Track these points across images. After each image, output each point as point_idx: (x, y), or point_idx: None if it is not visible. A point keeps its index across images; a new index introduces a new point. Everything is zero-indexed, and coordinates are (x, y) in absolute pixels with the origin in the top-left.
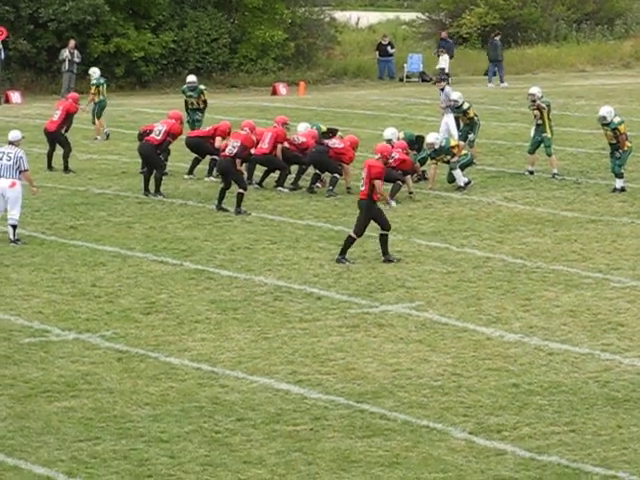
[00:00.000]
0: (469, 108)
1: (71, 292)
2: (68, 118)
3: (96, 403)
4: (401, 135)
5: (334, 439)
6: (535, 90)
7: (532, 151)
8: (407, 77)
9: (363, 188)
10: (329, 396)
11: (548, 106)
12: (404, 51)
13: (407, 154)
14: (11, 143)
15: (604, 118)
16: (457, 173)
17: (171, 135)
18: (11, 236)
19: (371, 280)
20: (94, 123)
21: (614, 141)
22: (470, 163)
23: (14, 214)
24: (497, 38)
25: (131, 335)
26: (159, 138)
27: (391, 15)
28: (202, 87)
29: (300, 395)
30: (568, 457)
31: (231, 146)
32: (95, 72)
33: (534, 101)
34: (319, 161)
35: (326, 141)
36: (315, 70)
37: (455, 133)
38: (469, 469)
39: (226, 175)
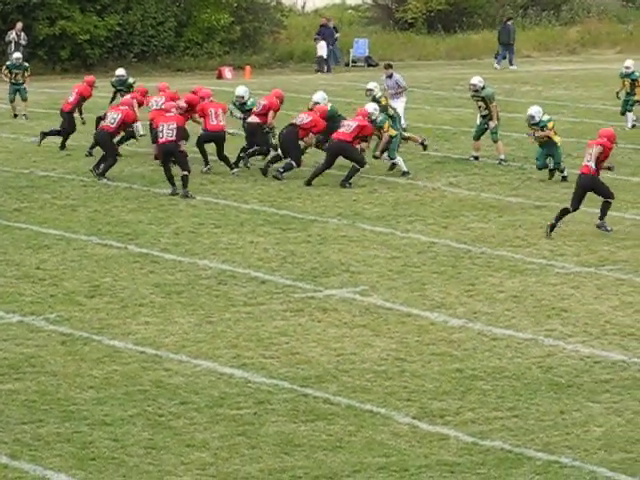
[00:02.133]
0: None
1: (15, 275)
2: (82, 100)
3: (40, 386)
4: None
5: (278, 423)
6: (476, 80)
7: (477, 137)
8: (353, 62)
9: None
10: (273, 380)
11: (492, 94)
12: (350, 36)
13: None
14: None
15: (532, 117)
16: (398, 160)
17: (126, 123)
18: None
19: (315, 264)
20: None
21: (545, 139)
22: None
23: None
24: (510, 22)
25: (75, 318)
26: (113, 126)
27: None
28: (131, 80)
29: (244, 379)
30: (511, 442)
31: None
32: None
33: (476, 91)
34: (284, 145)
35: (294, 120)
36: (261, 54)
37: (402, 120)
38: (412, 454)
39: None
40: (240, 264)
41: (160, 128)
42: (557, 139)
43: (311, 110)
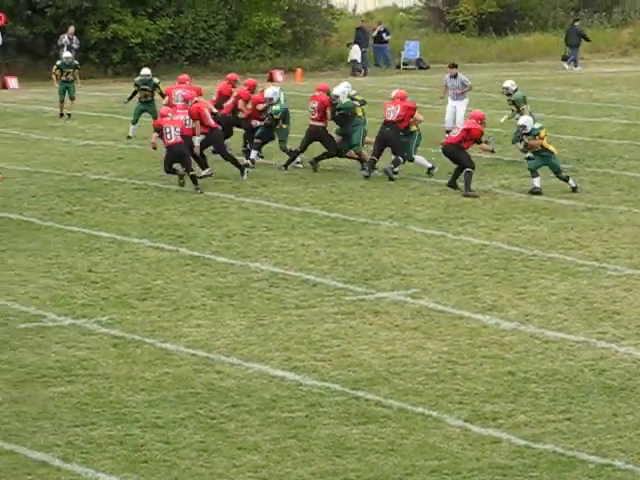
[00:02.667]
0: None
1: (67, 277)
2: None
3: (92, 388)
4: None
5: (329, 426)
6: (508, 84)
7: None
8: (404, 64)
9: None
10: (324, 383)
11: (522, 98)
12: (401, 38)
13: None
14: None
15: (524, 127)
16: (418, 158)
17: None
18: None
19: (367, 267)
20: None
21: (538, 148)
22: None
23: None
24: (577, 24)
25: (127, 321)
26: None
27: (388, 2)
28: (156, 80)
29: (295, 382)
30: (563, 445)
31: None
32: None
33: (509, 95)
34: (389, 143)
35: (387, 117)
36: (312, 57)
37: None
38: (464, 457)
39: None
40: (292, 267)
41: (167, 130)
42: (552, 148)
43: (393, 100)
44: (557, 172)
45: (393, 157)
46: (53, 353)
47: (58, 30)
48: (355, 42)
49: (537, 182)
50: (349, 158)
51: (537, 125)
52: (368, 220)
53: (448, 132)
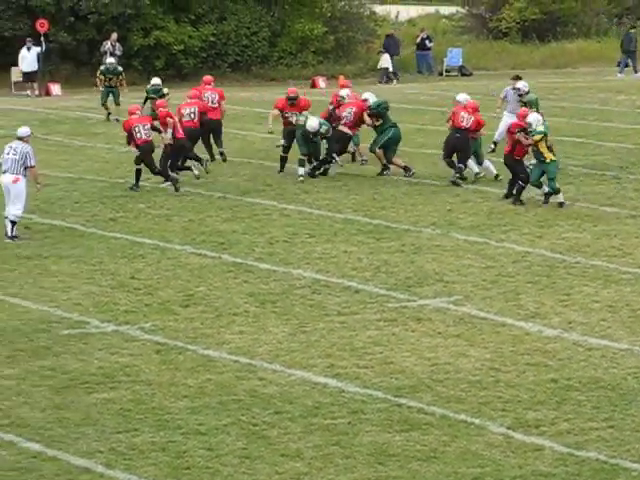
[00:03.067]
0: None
1: (110, 284)
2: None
3: (135, 395)
4: (371, 100)
5: (372, 433)
6: (521, 85)
7: None
8: (446, 71)
9: None
10: (367, 390)
11: (534, 100)
12: (444, 45)
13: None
14: (20, 139)
15: (530, 125)
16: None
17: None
18: (9, 232)
19: (409, 274)
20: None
21: (535, 150)
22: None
23: (16, 210)
24: (633, 31)
25: (170, 327)
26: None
27: (431, 9)
28: (165, 91)
29: (338, 389)
30: (606, 453)
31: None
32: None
33: (520, 95)
34: (457, 150)
35: (462, 124)
36: (354, 64)
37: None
38: (507, 464)
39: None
40: (334, 274)
41: (137, 129)
42: (548, 156)
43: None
44: (550, 179)
45: (457, 165)
46: (96, 359)
47: (101, 37)
48: (385, 50)
49: (560, 197)
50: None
51: (541, 128)
52: (411, 227)
53: (495, 143)
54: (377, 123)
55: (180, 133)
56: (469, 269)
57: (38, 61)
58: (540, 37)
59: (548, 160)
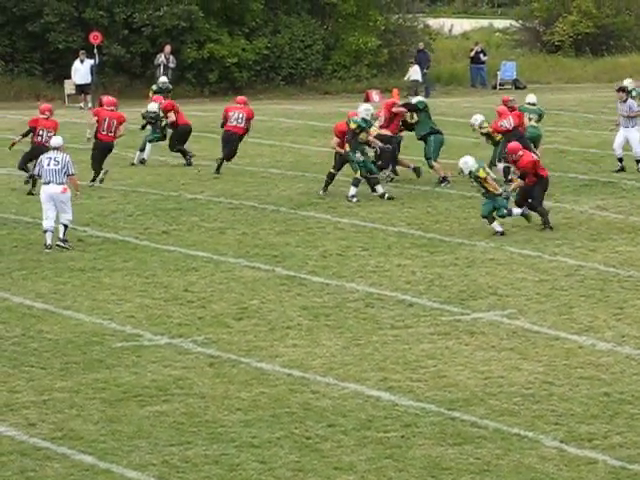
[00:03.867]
0: None
1: (164, 297)
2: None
3: (188, 408)
4: (415, 100)
5: (425, 446)
6: (530, 99)
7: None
8: (500, 84)
9: None
10: (420, 403)
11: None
12: (497, 58)
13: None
14: (56, 149)
15: (461, 170)
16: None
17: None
18: (60, 234)
19: (463, 288)
20: None
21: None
22: None
23: (67, 217)
24: None
25: (223, 340)
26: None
27: (485, 22)
28: (161, 115)
29: (391, 402)
30: None
31: None
32: None
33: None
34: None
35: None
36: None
37: (638, 150)
38: (560, 477)
39: None
40: (387, 287)
41: (40, 132)
42: (490, 189)
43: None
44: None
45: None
46: (149, 372)
47: (155, 50)
48: (416, 63)
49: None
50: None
51: (475, 166)
52: (464, 240)
53: (620, 160)
54: (412, 120)
55: (183, 120)
56: (522, 283)
57: (91, 73)
58: (593, 51)
59: (494, 191)
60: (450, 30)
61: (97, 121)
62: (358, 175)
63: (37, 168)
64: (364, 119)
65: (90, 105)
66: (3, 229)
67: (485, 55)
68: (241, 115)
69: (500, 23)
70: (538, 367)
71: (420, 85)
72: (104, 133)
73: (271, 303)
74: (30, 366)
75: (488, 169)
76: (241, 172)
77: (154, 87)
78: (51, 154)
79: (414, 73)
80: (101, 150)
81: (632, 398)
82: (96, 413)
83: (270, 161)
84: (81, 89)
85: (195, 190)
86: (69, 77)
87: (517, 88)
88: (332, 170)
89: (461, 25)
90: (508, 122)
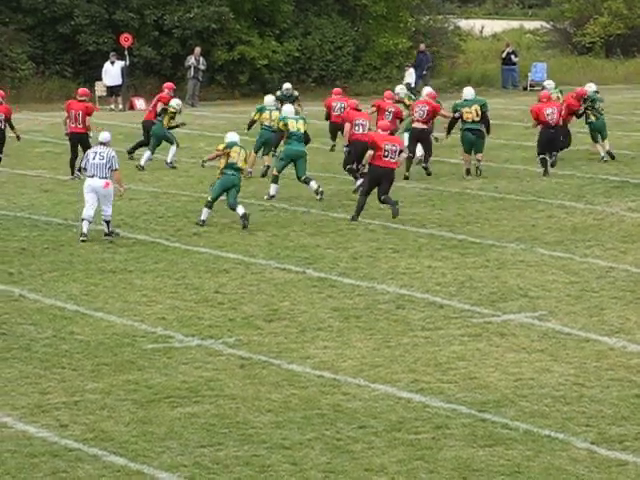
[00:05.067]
0: None
1: (194, 298)
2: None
3: (219, 409)
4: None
5: (455, 448)
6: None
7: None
8: (531, 86)
9: None
10: (451, 405)
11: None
12: (528, 60)
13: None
14: (103, 144)
15: None
16: None
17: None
18: (106, 229)
19: (493, 289)
20: None
21: None
22: None
23: (108, 211)
24: None
25: (254, 342)
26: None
27: (515, 24)
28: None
29: (422, 403)
30: None
31: None
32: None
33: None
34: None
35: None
36: (439, 78)
37: None
38: (591, 479)
39: None
40: (418, 289)
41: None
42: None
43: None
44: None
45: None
46: (180, 374)
47: (185, 51)
48: (414, 65)
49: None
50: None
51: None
52: (495, 242)
53: None
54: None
55: None
56: (553, 284)
57: (122, 75)
58: (624, 52)
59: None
60: (481, 31)
61: (67, 113)
62: None
63: (83, 161)
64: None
65: (121, 107)
66: (34, 230)
67: (516, 56)
68: (343, 105)
69: (531, 24)
70: (569, 369)
71: (412, 89)
72: (72, 125)
73: (302, 305)
74: (61, 367)
75: None
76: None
77: (278, 93)
78: (97, 149)
79: (408, 76)
80: (70, 141)
81: None
82: (127, 414)
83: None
84: (112, 91)
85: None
86: (100, 79)
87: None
88: None
89: (492, 26)
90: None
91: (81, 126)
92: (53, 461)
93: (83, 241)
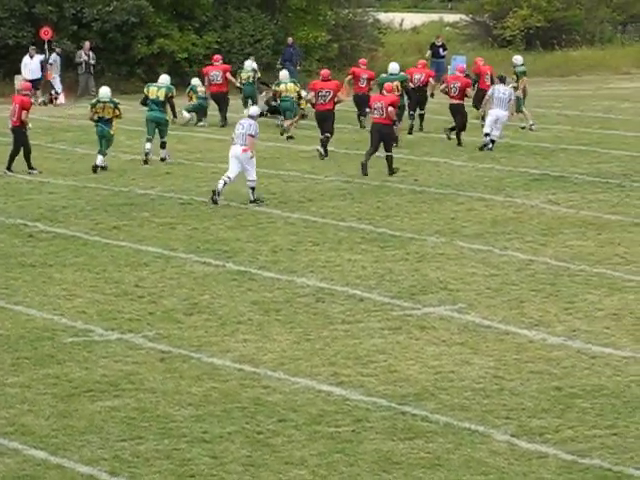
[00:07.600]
0: None
1: (114, 292)
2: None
3: (139, 403)
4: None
5: (376, 441)
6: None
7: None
8: None
9: None
10: (371, 398)
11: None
12: (448, 52)
13: None
14: (250, 117)
15: None
16: None
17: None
18: (250, 196)
19: (413, 282)
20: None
21: None
22: None
23: (250, 177)
24: None
25: (174, 336)
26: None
27: (435, 17)
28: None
29: (342, 397)
30: (610, 460)
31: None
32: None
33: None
34: None
35: None
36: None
37: None
38: (511, 472)
39: None
40: (338, 282)
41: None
42: None
43: None
44: None
45: None
46: (100, 367)
47: (104, 45)
48: (284, 60)
49: None
50: None
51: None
52: (415, 235)
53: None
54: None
55: None
56: (473, 277)
57: (42, 69)
58: (544, 45)
59: None
60: (400, 24)
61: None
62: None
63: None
64: None
65: (40, 100)
66: None
67: (445, 50)
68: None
69: (450, 17)
70: (489, 362)
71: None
72: (14, 119)
73: (222, 298)
74: None
75: None
76: (192, 167)
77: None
78: (243, 120)
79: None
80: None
81: (583, 392)
82: (47, 408)
83: (220, 156)
84: (32, 84)
85: (146, 185)
86: (19, 72)
87: None
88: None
89: (411, 19)
90: None
91: (15, 119)
92: None
93: (212, 198)
